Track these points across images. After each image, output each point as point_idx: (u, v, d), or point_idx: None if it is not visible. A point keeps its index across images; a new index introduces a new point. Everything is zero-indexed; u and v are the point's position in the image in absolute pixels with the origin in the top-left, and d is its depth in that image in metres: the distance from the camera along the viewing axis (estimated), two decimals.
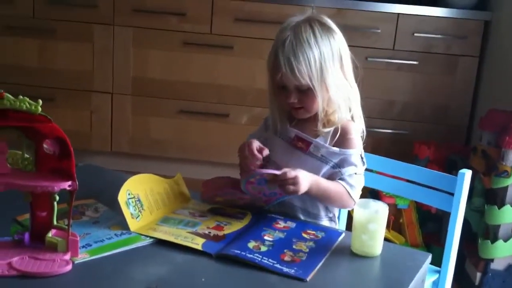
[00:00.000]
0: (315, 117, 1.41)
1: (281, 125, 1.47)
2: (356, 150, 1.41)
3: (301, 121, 1.44)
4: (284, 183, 1.31)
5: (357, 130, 1.43)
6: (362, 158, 1.42)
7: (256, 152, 1.39)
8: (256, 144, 1.40)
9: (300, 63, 1.34)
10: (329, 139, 1.41)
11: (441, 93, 2.83)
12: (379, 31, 2.76)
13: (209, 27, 2.84)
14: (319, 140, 1.41)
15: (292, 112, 1.43)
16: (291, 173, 1.30)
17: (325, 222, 1.46)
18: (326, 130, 1.41)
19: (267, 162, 1.43)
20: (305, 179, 1.32)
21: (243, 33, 2.82)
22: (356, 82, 1.45)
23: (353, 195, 1.38)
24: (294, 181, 1.30)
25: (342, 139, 1.40)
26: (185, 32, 2.85)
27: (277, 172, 1.31)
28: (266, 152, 1.40)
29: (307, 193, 1.35)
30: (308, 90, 1.37)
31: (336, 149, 1.40)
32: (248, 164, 1.39)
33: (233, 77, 2.88)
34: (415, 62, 2.79)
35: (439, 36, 2.75)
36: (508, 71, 2.57)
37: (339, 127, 1.41)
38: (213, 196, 1.41)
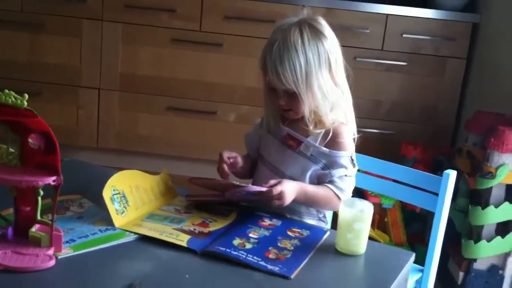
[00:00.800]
0: (303, 118, 1.42)
1: (274, 123, 1.47)
2: (346, 153, 1.41)
3: (294, 120, 1.44)
4: (270, 199, 1.32)
5: (349, 133, 1.44)
6: (352, 160, 1.43)
7: (225, 158, 1.44)
8: (226, 154, 1.45)
9: (285, 69, 1.33)
10: (319, 139, 1.42)
11: (428, 94, 2.85)
12: (368, 31, 2.77)
13: (199, 25, 2.84)
14: (309, 139, 1.42)
15: (282, 112, 1.44)
16: (277, 189, 1.31)
17: (314, 221, 1.47)
18: (317, 131, 1.41)
19: (241, 167, 1.47)
20: (291, 193, 1.34)
21: (232, 31, 2.82)
22: (348, 84, 1.45)
23: (343, 197, 1.39)
24: (280, 196, 1.32)
25: (333, 141, 1.41)
26: (174, 29, 2.85)
27: (263, 189, 1.32)
28: (238, 160, 1.45)
29: (294, 201, 1.36)
30: (295, 94, 1.36)
31: (325, 149, 1.40)
32: (221, 173, 1.44)
33: (222, 75, 2.88)
34: (403, 63, 2.80)
35: (427, 37, 2.77)
36: (495, 73, 2.59)
37: (331, 130, 1.41)
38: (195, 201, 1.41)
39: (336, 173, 1.40)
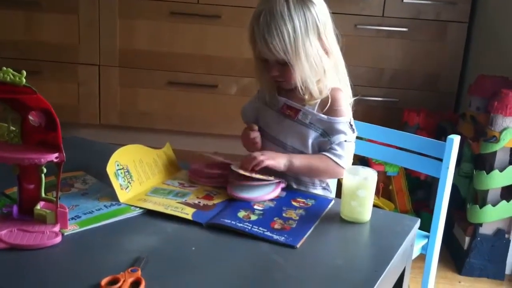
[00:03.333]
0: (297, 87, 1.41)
1: (269, 95, 1.46)
2: (345, 118, 1.40)
3: (290, 90, 1.43)
4: (259, 164, 1.33)
5: (346, 98, 1.43)
6: (351, 125, 1.42)
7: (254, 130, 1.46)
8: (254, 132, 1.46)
9: (274, 38, 1.32)
10: (317, 107, 1.41)
11: (430, 59, 2.82)
12: None
13: None
14: (307, 107, 1.41)
15: (277, 84, 1.43)
16: (258, 156, 1.34)
17: (318, 190, 1.46)
18: (313, 101, 1.40)
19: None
20: (276, 154, 1.37)
21: (230, 2, 2.79)
22: (341, 51, 1.43)
23: (342, 163, 1.38)
24: (269, 156, 1.34)
25: (331, 109, 1.40)
26: (172, 2, 2.81)
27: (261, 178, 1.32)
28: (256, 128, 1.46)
29: (291, 168, 1.36)
30: (286, 63, 1.35)
31: (324, 116, 1.40)
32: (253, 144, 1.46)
33: (221, 47, 2.85)
34: (404, 29, 2.77)
35: (428, 2, 2.73)
36: (496, 37, 2.56)
37: (329, 97, 1.40)
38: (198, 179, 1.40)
39: (335, 139, 1.39)
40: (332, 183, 1.77)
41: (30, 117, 1.10)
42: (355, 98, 1.46)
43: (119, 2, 2.82)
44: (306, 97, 1.40)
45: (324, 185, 1.49)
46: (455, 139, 1.54)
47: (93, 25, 2.85)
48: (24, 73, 1.04)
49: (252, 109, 1.52)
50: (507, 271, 2.22)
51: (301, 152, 1.42)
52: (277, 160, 1.36)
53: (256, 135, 1.46)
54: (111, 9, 2.83)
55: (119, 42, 2.87)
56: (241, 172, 1.31)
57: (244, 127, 1.50)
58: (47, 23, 2.87)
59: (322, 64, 1.38)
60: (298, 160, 1.38)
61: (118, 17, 2.84)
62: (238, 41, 2.80)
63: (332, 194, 1.73)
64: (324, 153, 1.39)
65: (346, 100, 1.43)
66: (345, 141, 1.40)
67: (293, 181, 1.44)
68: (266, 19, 1.32)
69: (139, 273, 0.98)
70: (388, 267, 1.07)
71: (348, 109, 1.43)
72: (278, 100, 1.44)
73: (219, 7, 2.80)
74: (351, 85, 1.46)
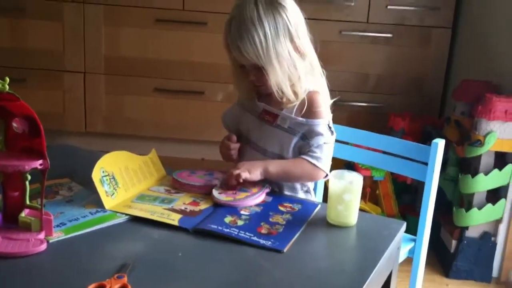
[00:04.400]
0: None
1: (248, 101, 1.46)
2: (323, 120, 1.40)
3: (268, 95, 1.44)
4: (237, 177, 1.33)
5: (324, 100, 1.43)
6: (330, 127, 1.42)
7: (234, 144, 1.46)
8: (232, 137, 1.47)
9: (245, 44, 1.32)
10: (295, 111, 1.41)
11: (415, 65, 2.84)
12: (352, 4, 2.75)
13: (182, 3, 2.81)
14: (285, 112, 1.42)
15: (256, 88, 1.43)
16: (235, 171, 1.34)
17: (300, 194, 1.47)
18: (290, 105, 1.40)
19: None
20: (251, 164, 1.37)
21: (216, 9, 2.79)
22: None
23: (321, 165, 1.38)
24: (245, 168, 1.34)
25: (308, 111, 1.40)
26: (157, 9, 2.81)
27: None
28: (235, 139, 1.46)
29: (267, 175, 1.37)
30: (261, 68, 1.36)
31: (302, 119, 1.40)
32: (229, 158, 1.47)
33: (208, 54, 2.86)
34: (389, 35, 2.79)
35: (412, 8, 2.76)
36: (480, 42, 2.59)
37: (305, 100, 1.40)
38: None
39: (314, 142, 1.38)
40: (319, 187, 1.77)
41: (14, 124, 1.09)
42: (334, 100, 1.46)
43: (104, 9, 2.82)
44: (284, 100, 1.40)
45: (305, 189, 1.48)
46: (440, 143, 1.56)
47: (78, 32, 2.85)
48: (7, 79, 1.03)
49: (232, 116, 1.53)
50: (493, 274, 2.23)
51: (281, 158, 1.42)
52: (252, 171, 1.35)
53: (236, 146, 1.46)
54: (96, 16, 2.82)
55: (105, 49, 2.87)
56: (223, 199, 1.30)
57: (223, 137, 1.49)
58: (32, 31, 2.86)
59: (295, 67, 1.37)
60: (274, 167, 1.38)
61: (103, 24, 2.84)
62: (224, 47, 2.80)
63: (317, 198, 1.74)
64: (302, 156, 1.39)
65: (324, 102, 1.42)
66: (324, 143, 1.39)
67: (275, 186, 1.44)
68: (237, 25, 1.33)
69: (125, 279, 0.97)
70: (375, 270, 1.08)
71: (326, 111, 1.42)
72: (257, 106, 1.45)
73: (205, 14, 2.81)
74: (329, 87, 1.46)
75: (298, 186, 1.46)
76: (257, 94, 1.46)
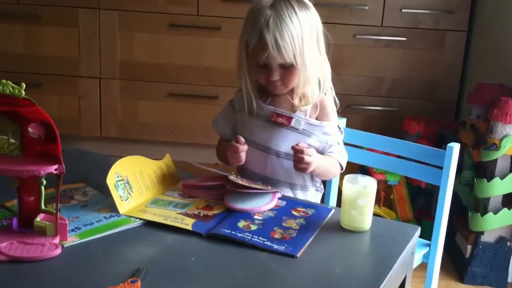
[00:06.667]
0: (290, 92, 1.43)
1: (249, 104, 1.46)
2: (335, 122, 1.47)
3: (275, 97, 1.44)
4: (301, 159, 1.34)
5: (332, 102, 1.47)
6: (340, 128, 1.48)
7: (242, 146, 1.42)
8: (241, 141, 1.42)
9: (286, 42, 1.34)
10: (308, 113, 1.44)
11: (429, 68, 2.82)
12: (366, 8, 2.74)
13: (196, 9, 2.82)
14: (299, 114, 1.44)
15: (270, 88, 1.43)
16: (308, 151, 1.35)
17: (311, 191, 1.49)
18: (305, 107, 1.43)
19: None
20: (314, 156, 1.37)
21: (230, 14, 2.80)
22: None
23: (343, 164, 1.46)
24: (308, 158, 1.35)
25: (322, 114, 1.45)
26: (171, 14, 2.83)
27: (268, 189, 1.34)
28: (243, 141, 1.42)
29: (312, 172, 1.39)
30: (291, 67, 1.38)
31: (316, 121, 1.44)
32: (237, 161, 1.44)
33: (222, 59, 2.86)
34: (403, 38, 2.78)
35: (426, 11, 2.75)
36: (495, 45, 2.57)
37: (318, 103, 1.43)
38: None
39: (331, 142, 1.44)
40: (333, 192, 1.77)
41: (30, 129, 1.10)
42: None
43: (119, 14, 2.84)
44: (296, 102, 1.42)
45: (317, 185, 1.53)
46: (455, 147, 1.55)
47: (93, 38, 2.87)
48: (24, 85, 1.04)
49: (226, 120, 1.53)
50: (509, 279, 2.21)
51: None
52: (313, 156, 1.37)
53: (245, 149, 1.43)
54: (111, 22, 2.84)
55: (120, 54, 2.89)
56: (240, 182, 1.31)
57: (229, 141, 1.46)
58: (48, 37, 2.88)
59: (322, 68, 1.42)
60: (320, 160, 1.40)
61: (118, 30, 2.86)
62: None
63: (331, 202, 1.74)
64: (331, 154, 1.43)
65: (332, 104, 1.47)
66: (338, 143, 1.46)
67: (288, 187, 1.46)
68: (276, 24, 1.34)
69: (138, 284, 0.98)
70: (389, 275, 1.07)
71: (335, 112, 1.48)
72: (263, 109, 1.45)
73: (219, 19, 2.82)
74: (339, 92, 1.51)
75: (309, 183, 1.49)
76: (261, 97, 1.46)
